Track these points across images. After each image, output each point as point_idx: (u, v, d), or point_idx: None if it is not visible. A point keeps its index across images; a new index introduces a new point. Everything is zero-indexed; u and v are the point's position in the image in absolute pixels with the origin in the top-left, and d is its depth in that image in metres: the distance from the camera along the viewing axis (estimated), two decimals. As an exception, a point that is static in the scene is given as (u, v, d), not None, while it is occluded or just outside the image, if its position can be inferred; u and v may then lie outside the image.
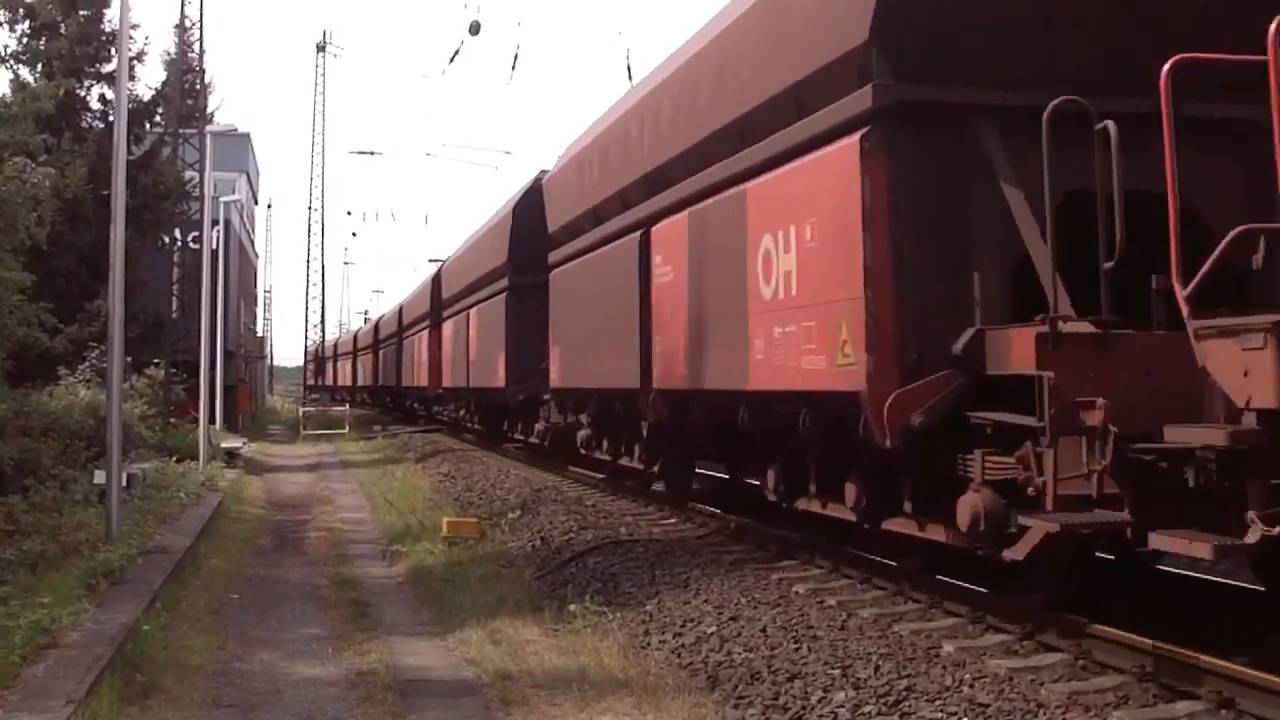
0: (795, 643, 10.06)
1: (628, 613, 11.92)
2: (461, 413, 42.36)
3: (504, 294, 28.21)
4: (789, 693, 8.79)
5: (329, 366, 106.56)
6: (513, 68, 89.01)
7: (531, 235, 24.96)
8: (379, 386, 72.26)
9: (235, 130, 43.62)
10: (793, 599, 11.82)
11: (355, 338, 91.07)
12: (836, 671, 9.11)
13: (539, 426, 26.17)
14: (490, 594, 13.29)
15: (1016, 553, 9.37)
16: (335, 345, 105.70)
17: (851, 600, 11.66)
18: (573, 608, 12.04)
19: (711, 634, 10.67)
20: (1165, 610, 10.07)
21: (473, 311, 33.49)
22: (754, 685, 9.05)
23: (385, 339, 66.60)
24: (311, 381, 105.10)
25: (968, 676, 8.75)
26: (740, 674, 9.36)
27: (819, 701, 8.53)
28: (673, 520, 18.00)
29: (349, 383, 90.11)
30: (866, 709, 8.26)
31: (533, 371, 25.12)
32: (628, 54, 68.63)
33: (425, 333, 45.64)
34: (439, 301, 42.44)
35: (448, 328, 39.38)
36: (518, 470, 27.68)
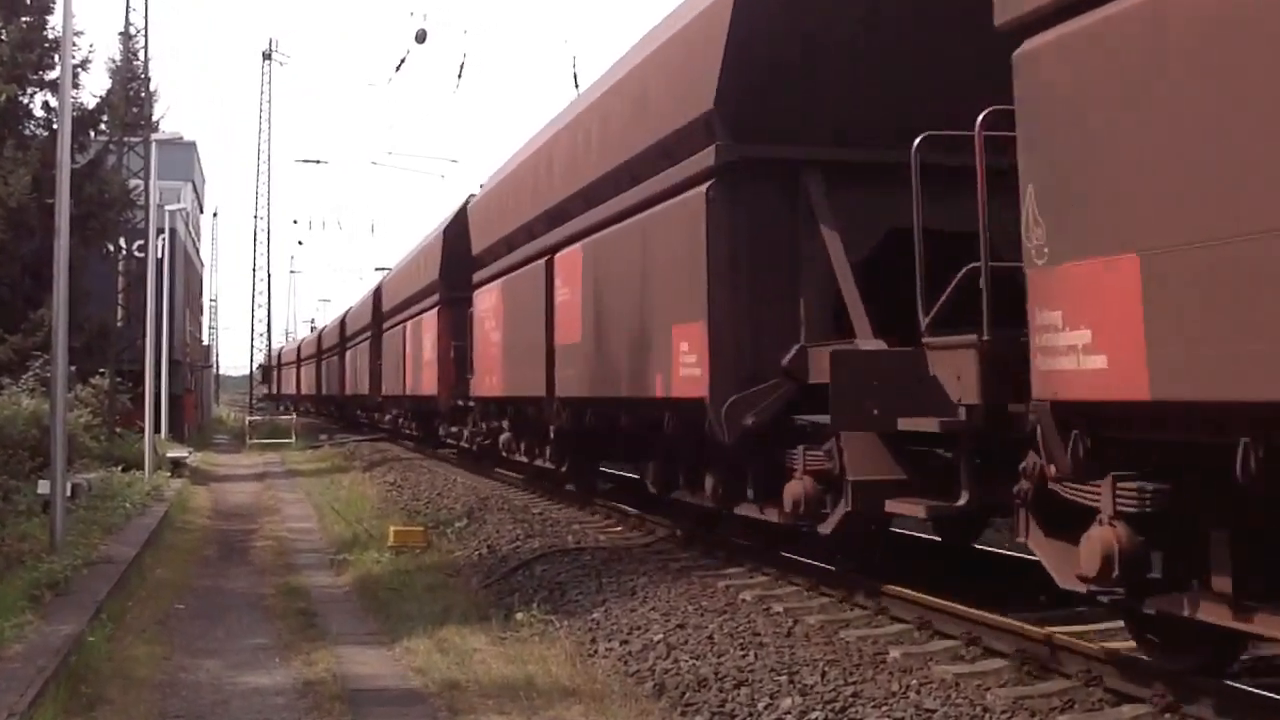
0: (742, 650, 10.11)
1: (575, 621, 11.93)
2: (508, 438, 23.98)
3: (703, 188, 12.70)
4: (736, 700, 8.82)
5: (289, 373, 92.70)
6: (459, 76, 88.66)
7: (788, 45, 12.30)
8: (347, 396, 56.76)
9: (180, 139, 43.25)
10: (739, 606, 11.87)
11: (319, 338, 75.47)
12: (783, 678, 9.16)
13: (799, 489, 11.73)
14: (437, 603, 13.28)
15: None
16: (299, 348, 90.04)
17: (798, 607, 11.73)
18: (520, 616, 12.03)
19: (658, 641, 10.70)
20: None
21: (570, 255, 17.53)
22: (701, 692, 9.08)
23: (353, 336, 53.01)
24: (271, 390, 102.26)
25: (914, 682, 8.83)
26: (687, 681, 9.39)
27: (766, 708, 8.57)
28: (619, 528, 18.03)
29: (312, 391, 76.66)
30: (813, 715, 8.31)
31: (776, 361, 12.27)
32: (574, 61, 68.65)
33: (426, 316, 33.02)
34: (461, 262, 27.42)
35: (489, 298, 23.85)
36: (464, 479, 27.63)
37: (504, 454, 24.80)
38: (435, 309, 31.58)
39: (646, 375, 14.15)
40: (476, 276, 25.25)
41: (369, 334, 46.76)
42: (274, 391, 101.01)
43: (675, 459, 15.18)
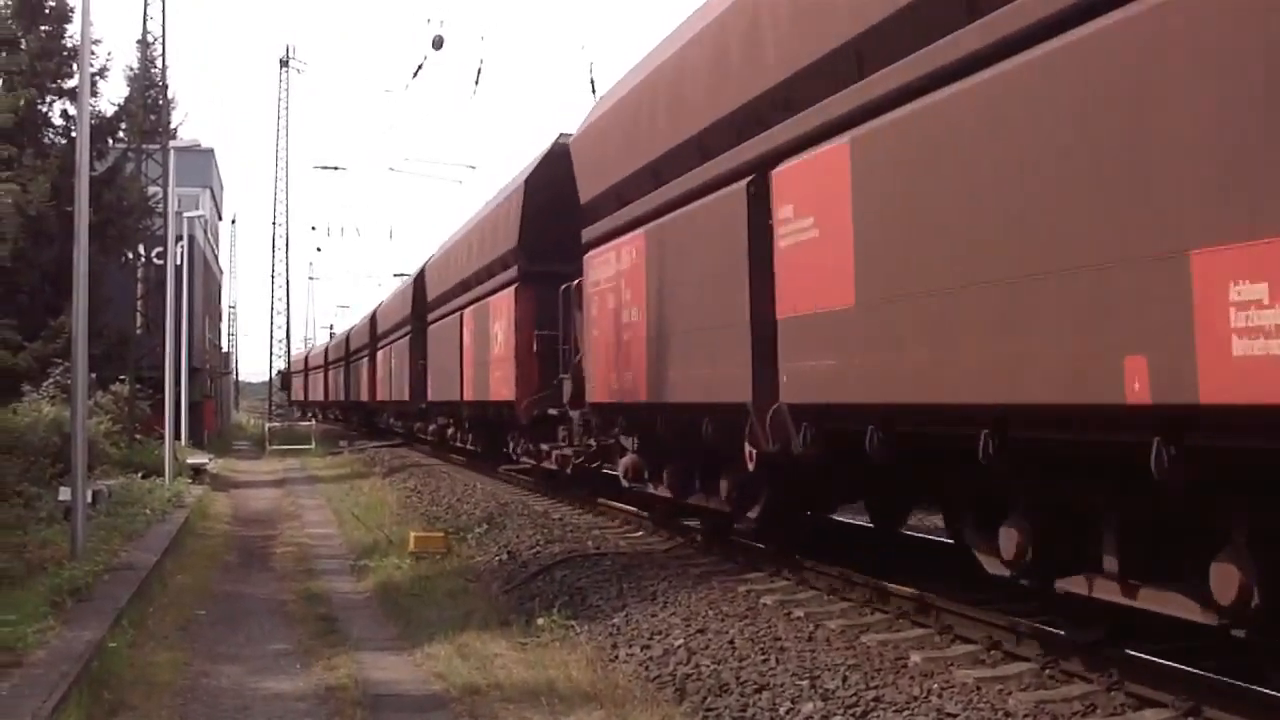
0: (763, 654, 10.09)
1: (595, 626, 11.92)
2: (633, 461, 16.82)
3: None
4: (757, 704, 8.81)
5: (315, 378, 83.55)
6: (476, 82, 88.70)
7: None
8: (379, 402, 49.49)
9: (199, 146, 43.58)
10: (760, 610, 11.85)
11: (347, 339, 64.49)
12: (804, 683, 9.15)
13: None
14: (458, 608, 13.28)
15: None
16: (326, 350, 79.56)
17: (819, 611, 11.70)
18: (540, 621, 12.02)
19: (679, 646, 10.68)
20: None
21: (813, 163, 10.49)
22: (722, 697, 9.06)
23: (387, 334, 45.71)
24: (291, 397, 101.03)
25: (935, 687, 8.80)
26: (708, 686, 9.37)
27: (787, 713, 8.56)
28: (640, 533, 18.02)
29: (339, 397, 67.64)
30: (834, 720, 8.30)
31: None
32: (591, 67, 68.49)
33: (497, 299, 25.23)
34: (551, 223, 21.19)
35: (615, 261, 16.16)
36: (484, 485, 27.65)
37: (625, 482, 17.35)
38: (511, 288, 23.94)
39: (1088, 364, 6.98)
40: (588, 234, 17.65)
41: (408, 329, 38.70)
42: (299, 398, 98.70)
43: (1106, 524, 8.18)
